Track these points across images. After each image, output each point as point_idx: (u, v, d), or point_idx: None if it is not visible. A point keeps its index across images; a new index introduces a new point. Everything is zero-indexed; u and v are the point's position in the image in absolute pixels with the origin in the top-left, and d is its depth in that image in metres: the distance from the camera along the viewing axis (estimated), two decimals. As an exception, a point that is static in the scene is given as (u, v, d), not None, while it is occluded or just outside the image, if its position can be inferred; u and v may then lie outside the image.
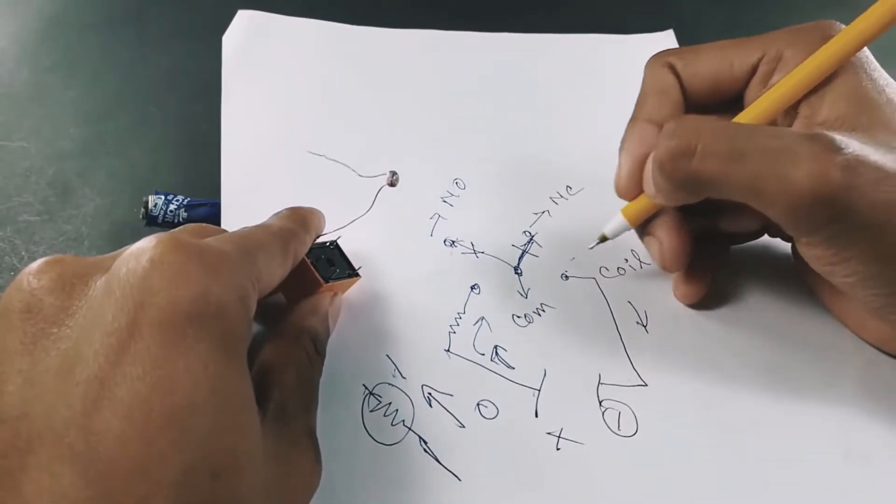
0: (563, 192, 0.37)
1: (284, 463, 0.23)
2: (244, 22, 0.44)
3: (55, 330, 0.20)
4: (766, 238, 0.33)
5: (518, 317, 0.32)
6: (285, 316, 0.28)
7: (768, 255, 0.34)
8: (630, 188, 0.30)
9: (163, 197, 0.34)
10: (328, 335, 0.29)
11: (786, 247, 0.34)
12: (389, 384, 0.29)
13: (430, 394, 0.29)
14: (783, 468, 0.27)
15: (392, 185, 0.36)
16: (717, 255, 0.32)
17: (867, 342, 0.31)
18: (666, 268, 0.30)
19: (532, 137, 0.40)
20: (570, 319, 0.32)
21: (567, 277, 0.33)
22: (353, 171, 0.37)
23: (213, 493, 0.19)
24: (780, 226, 0.26)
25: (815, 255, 0.27)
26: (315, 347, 0.27)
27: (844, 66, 0.27)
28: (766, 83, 0.29)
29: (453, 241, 0.34)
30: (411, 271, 0.33)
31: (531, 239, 0.35)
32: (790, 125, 0.28)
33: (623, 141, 0.30)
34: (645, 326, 0.32)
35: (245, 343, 0.22)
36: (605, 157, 0.32)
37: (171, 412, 0.19)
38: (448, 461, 0.27)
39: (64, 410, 0.18)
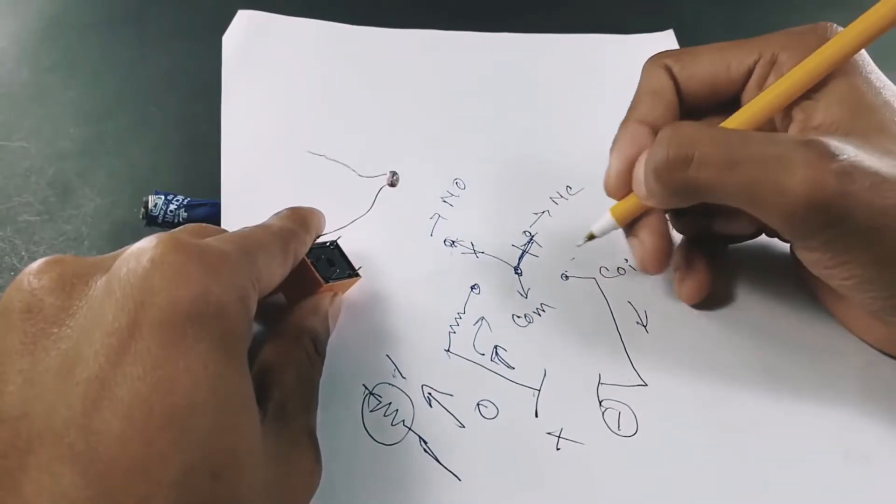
0: (563, 192, 0.37)
1: (284, 463, 0.23)
2: (244, 22, 0.44)
3: (55, 330, 0.20)
4: (765, 238, 0.33)
5: (518, 317, 0.32)
6: (285, 316, 0.28)
7: (768, 256, 0.34)
8: (619, 188, 0.30)
9: (163, 197, 0.34)
10: (328, 335, 0.29)
11: (785, 247, 0.34)
12: (389, 384, 0.29)
13: (430, 394, 0.29)
14: (783, 468, 0.27)
15: (392, 185, 0.36)
16: (716, 256, 0.32)
17: (867, 343, 0.31)
18: (645, 269, 0.30)
19: (532, 137, 0.40)
20: (570, 319, 0.32)
21: (567, 277, 0.33)
22: (353, 171, 0.37)
23: (213, 493, 0.19)
24: (776, 231, 0.26)
25: (813, 259, 0.27)
26: (315, 347, 0.27)
27: (841, 69, 0.27)
28: (762, 86, 0.29)
29: (453, 241, 0.34)
30: (411, 271, 0.33)
31: (531, 239, 0.35)
32: (787, 128, 0.28)
33: (615, 141, 0.30)
34: (645, 326, 0.32)
35: (245, 343, 0.22)
36: (605, 157, 0.32)
37: (171, 412, 0.19)
38: (448, 461, 0.27)
39: (64, 410, 0.18)
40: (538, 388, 0.29)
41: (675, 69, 0.30)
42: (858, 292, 0.27)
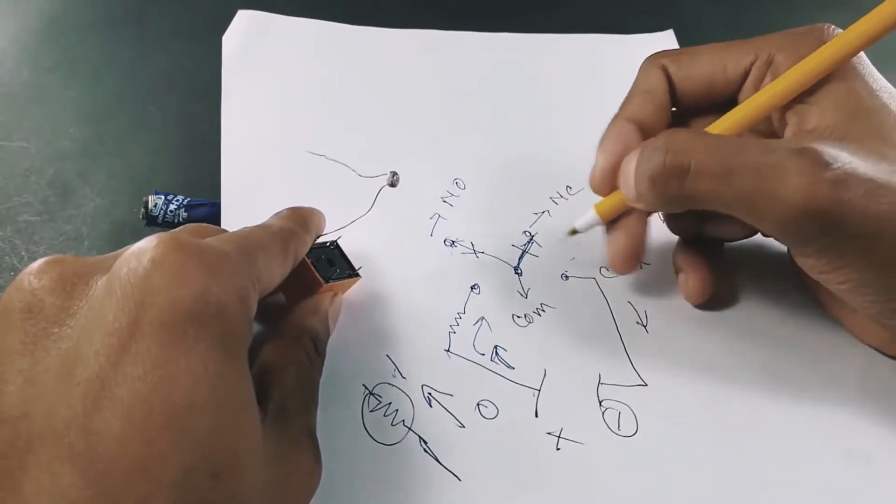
0: (563, 192, 0.37)
1: (284, 463, 0.23)
2: (244, 22, 0.44)
3: (56, 330, 0.20)
4: (764, 238, 0.33)
5: (518, 317, 0.32)
6: (285, 316, 0.28)
7: (768, 256, 0.34)
8: (603, 185, 0.30)
9: (163, 197, 0.34)
10: (328, 335, 0.29)
11: (784, 247, 0.33)
12: (389, 384, 0.29)
13: (430, 394, 0.29)
14: (783, 468, 0.27)
15: (392, 185, 0.36)
16: (715, 255, 0.32)
17: (866, 344, 0.31)
18: (612, 266, 0.31)
19: (532, 137, 0.40)
20: (570, 319, 0.32)
21: (567, 277, 0.33)
22: (353, 171, 0.37)
23: (213, 493, 0.19)
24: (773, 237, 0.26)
25: (809, 265, 0.27)
26: (315, 347, 0.27)
27: (837, 71, 0.27)
28: (758, 87, 0.29)
29: (453, 241, 0.34)
30: (411, 271, 0.33)
31: (531, 239, 0.35)
32: (783, 130, 0.28)
33: (602, 137, 0.30)
34: (645, 326, 0.32)
35: (245, 343, 0.22)
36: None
37: (171, 412, 0.19)
38: (448, 461, 0.27)
39: (64, 410, 0.18)
40: (538, 388, 0.29)
41: (673, 69, 0.30)
42: (855, 296, 0.27)
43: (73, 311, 0.20)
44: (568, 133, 0.40)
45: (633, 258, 0.30)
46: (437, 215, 0.35)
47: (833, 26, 0.28)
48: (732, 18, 0.50)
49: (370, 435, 0.27)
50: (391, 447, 0.27)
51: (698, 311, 0.32)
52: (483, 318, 0.31)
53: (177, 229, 0.25)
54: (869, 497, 0.27)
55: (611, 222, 0.31)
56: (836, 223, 0.24)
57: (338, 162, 0.37)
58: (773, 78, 0.28)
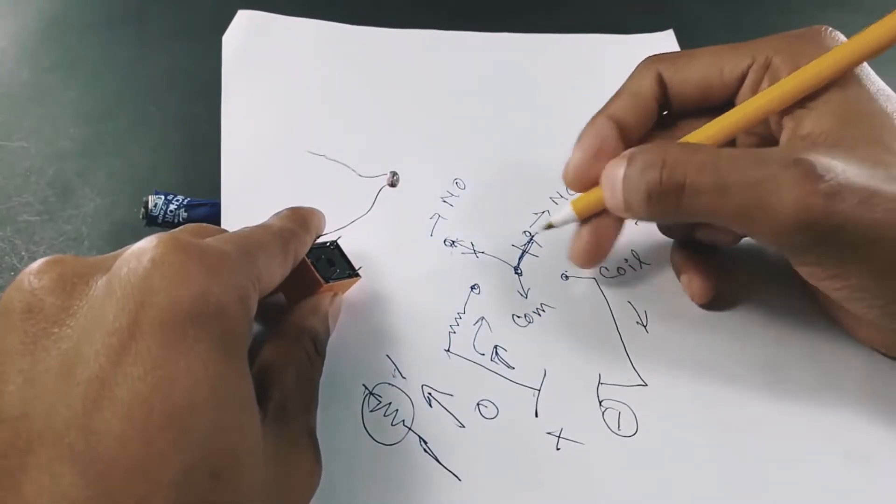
0: (563, 192, 0.37)
1: (284, 463, 0.23)
2: (244, 22, 0.44)
3: (56, 330, 0.20)
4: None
5: (518, 317, 0.32)
6: (285, 316, 0.28)
7: (768, 256, 0.34)
8: (578, 180, 0.30)
9: (163, 197, 0.34)
10: (328, 335, 0.29)
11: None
12: (389, 384, 0.29)
13: (430, 394, 0.29)
14: (783, 468, 0.27)
15: (392, 185, 0.36)
16: (714, 255, 0.32)
17: (866, 346, 0.31)
18: (573, 260, 0.30)
19: (532, 137, 0.40)
20: (570, 319, 0.32)
21: (567, 277, 0.33)
22: (353, 171, 0.37)
23: (213, 493, 0.19)
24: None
25: (808, 272, 0.27)
26: (315, 347, 0.27)
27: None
28: (755, 90, 0.29)
29: (453, 241, 0.34)
30: (411, 271, 0.33)
31: (531, 239, 0.35)
32: (780, 131, 0.28)
33: (581, 133, 0.30)
34: (645, 326, 0.32)
35: (245, 343, 0.22)
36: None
37: (171, 412, 0.19)
38: (448, 461, 0.27)
39: (64, 410, 0.18)
40: (538, 388, 0.29)
41: (669, 72, 0.30)
42: (854, 302, 0.27)
43: (73, 311, 0.20)
44: (568, 133, 0.39)
45: (597, 258, 0.30)
46: (437, 215, 0.35)
47: (830, 28, 0.28)
48: (732, 19, 0.50)
49: (370, 435, 0.27)
50: (391, 447, 0.27)
51: (698, 311, 0.32)
52: (483, 318, 0.31)
53: (177, 229, 0.25)
54: (869, 497, 0.27)
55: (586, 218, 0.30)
56: (832, 234, 0.24)
57: (338, 162, 0.37)
58: (771, 81, 0.28)
